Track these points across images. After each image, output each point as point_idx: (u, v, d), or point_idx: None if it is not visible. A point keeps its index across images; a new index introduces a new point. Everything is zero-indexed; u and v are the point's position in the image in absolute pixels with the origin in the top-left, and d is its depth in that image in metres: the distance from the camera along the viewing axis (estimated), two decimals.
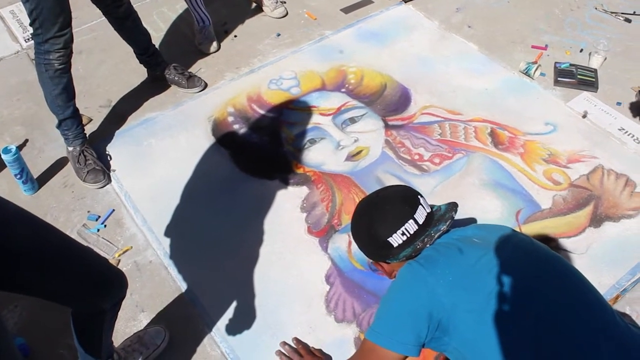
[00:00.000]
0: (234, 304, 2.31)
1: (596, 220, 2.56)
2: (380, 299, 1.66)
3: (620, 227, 2.54)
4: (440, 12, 3.82)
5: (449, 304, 1.50)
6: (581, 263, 2.39)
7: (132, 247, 2.51)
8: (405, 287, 1.59)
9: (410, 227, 1.66)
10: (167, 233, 2.55)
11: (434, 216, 1.74)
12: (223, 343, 2.19)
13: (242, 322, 2.24)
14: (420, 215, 1.69)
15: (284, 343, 2.06)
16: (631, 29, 3.66)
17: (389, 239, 1.67)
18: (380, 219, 1.70)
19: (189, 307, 2.31)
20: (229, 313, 2.28)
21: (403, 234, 1.66)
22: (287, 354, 2.01)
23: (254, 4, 3.87)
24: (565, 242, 2.48)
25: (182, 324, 2.25)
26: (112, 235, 2.55)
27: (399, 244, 1.67)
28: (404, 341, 1.54)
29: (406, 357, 1.58)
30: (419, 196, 1.74)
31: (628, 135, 2.95)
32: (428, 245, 1.65)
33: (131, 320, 2.27)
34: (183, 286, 2.37)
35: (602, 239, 2.49)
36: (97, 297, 1.63)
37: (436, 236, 1.66)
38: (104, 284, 1.64)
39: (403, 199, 1.73)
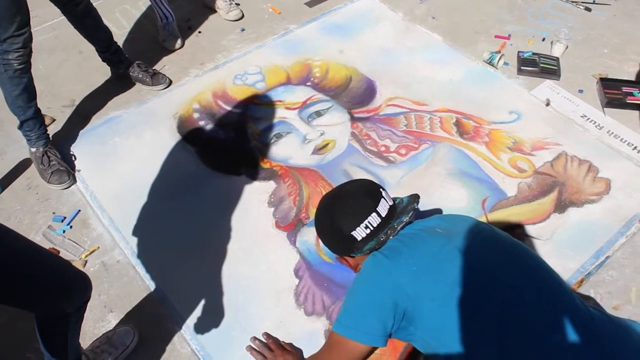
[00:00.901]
0: (203, 301, 2.30)
1: (560, 206, 2.60)
2: (346, 292, 1.67)
3: (583, 212, 2.58)
4: (405, 4, 3.83)
5: (414, 294, 1.52)
6: (547, 249, 2.42)
7: (99, 247, 2.48)
8: (370, 279, 1.60)
9: (374, 220, 1.67)
10: (135, 232, 2.53)
11: (396, 209, 1.75)
12: (193, 340, 2.18)
13: (212, 318, 2.24)
14: (383, 208, 1.70)
15: (254, 338, 2.06)
16: (591, 18, 3.72)
17: (353, 233, 1.67)
18: (343, 213, 1.71)
19: (158, 306, 2.29)
20: (199, 310, 2.27)
21: (366, 227, 1.67)
22: (257, 349, 2.01)
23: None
24: (531, 229, 2.51)
25: (151, 323, 2.23)
26: (79, 236, 2.52)
27: (362, 238, 1.68)
28: (370, 332, 1.55)
29: (374, 347, 1.59)
30: (381, 189, 1.75)
31: (590, 121, 3.00)
32: (391, 237, 1.66)
33: (100, 321, 2.25)
34: (151, 285, 2.35)
35: (567, 225, 2.53)
36: (59, 301, 1.61)
37: (399, 228, 1.67)
38: (67, 287, 1.62)
39: (365, 193, 1.74)
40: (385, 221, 1.68)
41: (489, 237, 1.66)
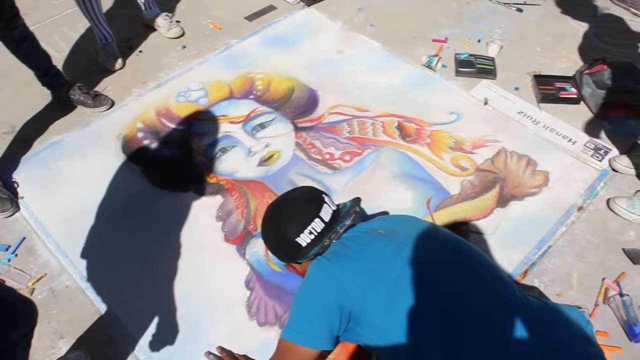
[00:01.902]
0: (156, 319, 2.29)
1: (503, 201, 2.67)
2: (293, 298, 1.69)
3: (525, 205, 2.65)
4: (343, 13, 3.89)
5: (358, 295, 1.55)
6: (491, 243, 2.48)
7: (46, 273, 2.45)
8: (315, 283, 1.63)
9: (317, 225, 1.69)
10: (83, 255, 2.51)
11: (340, 213, 1.78)
12: None
13: (165, 336, 2.23)
14: (326, 213, 1.72)
15: (208, 353, 2.04)
16: (523, 18, 3.85)
17: (297, 239, 1.69)
18: (287, 220, 1.73)
19: (110, 328, 2.27)
20: (152, 329, 2.26)
21: (310, 232, 1.69)
22: None
23: None
24: (476, 225, 2.57)
25: (104, 346, 2.21)
26: (25, 263, 2.49)
27: (307, 243, 1.70)
28: (318, 336, 1.57)
29: (323, 350, 1.61)
30: (324, 195, 1.78)
31: (527, 117, 3.09)
32: (334, 241, 1.69)
33: (50, 348, 2.22)
34: (102, 307, 2.33)
35: (510, 218, 2.60)
36: (5, 328, 1.58)
37: (342, 231, 1.70)
38: (11, 314, 1.60)
39: (308, 200, 1.76)
40: (329, 226, 1.71)
41: (431, 234, 1.70)
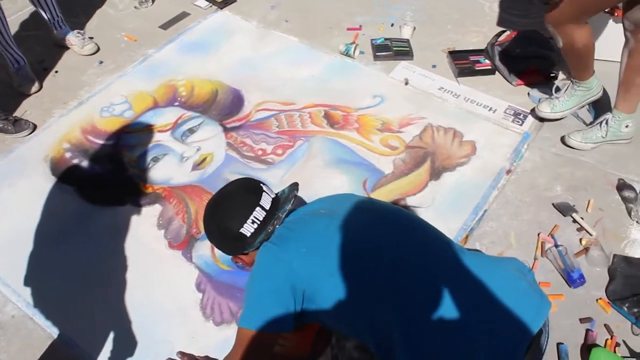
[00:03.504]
0: (112, 334, 2.26)
1: (435, 174, 2.76)
2: (245, 286, 1.71)
3: (457, 175, 2.76)
4: (256, 12, 3.93)
5: (308, 274, 1.59)
6: (430, 215, 2.56)
7: None
8: (264, 268, 1.66)
9: (259, 214, 1.72)
10: (27, 283, 2.45)
11: (279, 200, 1.82)
12: None
13: (124, 350, 2.21)
14: (266, 201, 1.76)
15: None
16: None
17: (241, 230, 1.72)
18: (228, 213, 1.75)
19: (66, 351, 2.23)
20: (109, 345, 2.23)
21: (253, 222, 1.71)
22: None
23: None
24: (412, 200, 2.65)
25: None
26: None
27: (251, 233, 1.72)
28: (274, 320, 1.60)
29: (282, 333, 1.65)
30: (262, 184, 1.81)
31: (447, 92, 3.21)
32: (278, 226, 1.73)
33: None
34: (54, 332, 2.28)
35: (444, 189, 2.70)
36: None
37: (283, 216, 1.74)
38: None
39: (246, 190, 1.79)
40: (271, 213, 1.74)
41: (369, 207, 1.78)
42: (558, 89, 2.87)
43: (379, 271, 1.57)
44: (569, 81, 2.83)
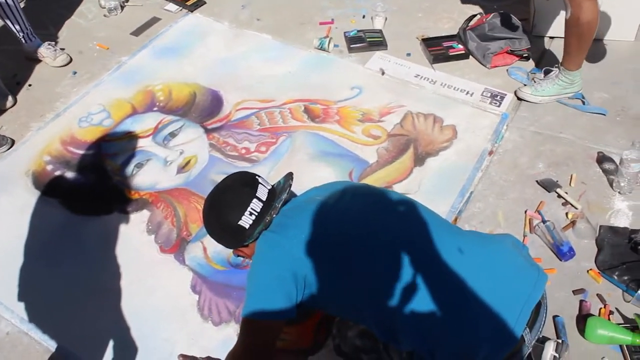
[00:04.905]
0: (111, 342, 2.25)
1: (419, 160, 2.79)
2: (247, 276, 1.71)
3: (440, 159, 2.79)
4: (228, 13, 3.92)
5: (308, 259, 1.61)
6: (417, 200, 2.57)
7: None
8: (265, 256, 1.68)
9: (256, 205, 1.74)
10: (20, 298, 2.42)
11: (275, 190, 1.84)
12: None
13: (124, 357, 2.20)
14: (262, 192, 1.77)
15: None
16: None
17: (240, 223, 1.73)
18: (226, 207, 1.76)
19: None
20: (109, 354, 2.22)
21: (251, 214, 1.73)
22: None
23: None
24: (399, 187, 2.67)
25: None
26: None
27: (250, 225, 1.74)
28: (278, 308, 1.61)
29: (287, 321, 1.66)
30: (257, 176, 1.83)
31: (423, 79, 3.24)
32: (275, 216, 1.75)
33: None
34: (52, 345, 2.26)
35: (429, 174, 2.73)
36: None
37: (280, 206, 1.76)
38: None
39: (242, 183, 1.81)
40: (268, 204, 1.76)
41: (363, 191, 1.83)
42: (549, 71, 2.98)
43: (377, 254, 1.59)
44: (556, 68, 2.91)
